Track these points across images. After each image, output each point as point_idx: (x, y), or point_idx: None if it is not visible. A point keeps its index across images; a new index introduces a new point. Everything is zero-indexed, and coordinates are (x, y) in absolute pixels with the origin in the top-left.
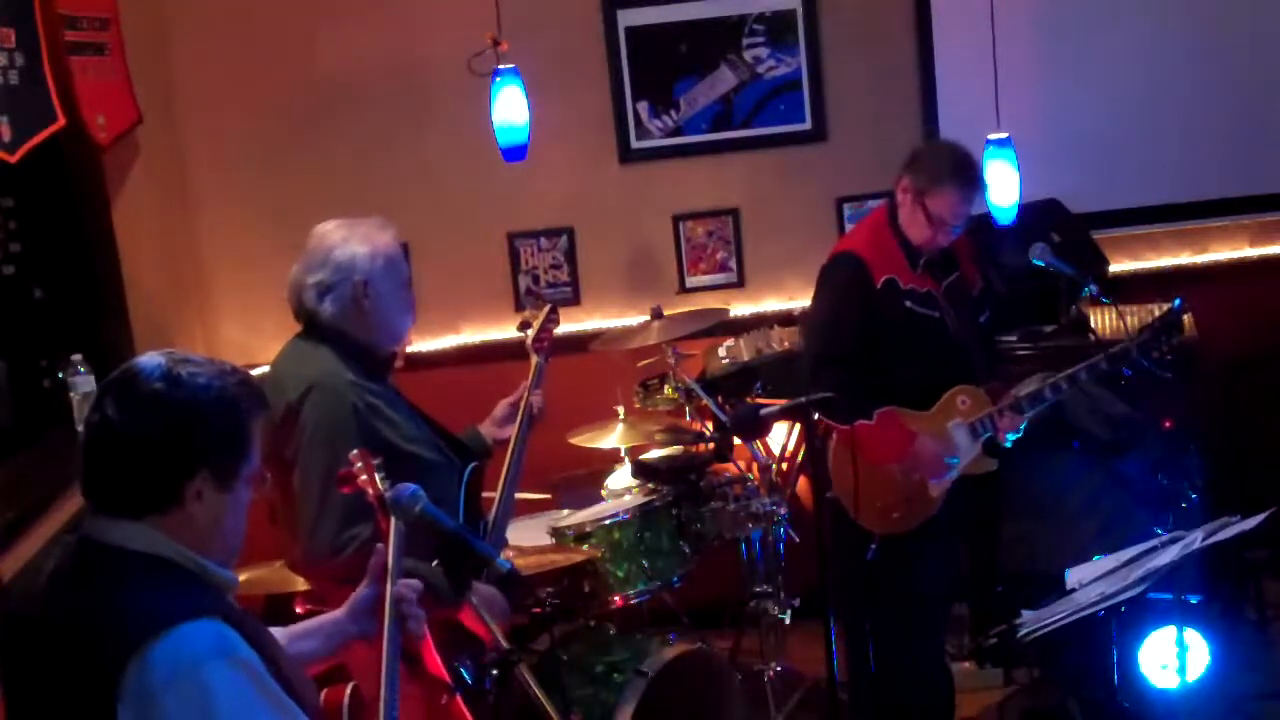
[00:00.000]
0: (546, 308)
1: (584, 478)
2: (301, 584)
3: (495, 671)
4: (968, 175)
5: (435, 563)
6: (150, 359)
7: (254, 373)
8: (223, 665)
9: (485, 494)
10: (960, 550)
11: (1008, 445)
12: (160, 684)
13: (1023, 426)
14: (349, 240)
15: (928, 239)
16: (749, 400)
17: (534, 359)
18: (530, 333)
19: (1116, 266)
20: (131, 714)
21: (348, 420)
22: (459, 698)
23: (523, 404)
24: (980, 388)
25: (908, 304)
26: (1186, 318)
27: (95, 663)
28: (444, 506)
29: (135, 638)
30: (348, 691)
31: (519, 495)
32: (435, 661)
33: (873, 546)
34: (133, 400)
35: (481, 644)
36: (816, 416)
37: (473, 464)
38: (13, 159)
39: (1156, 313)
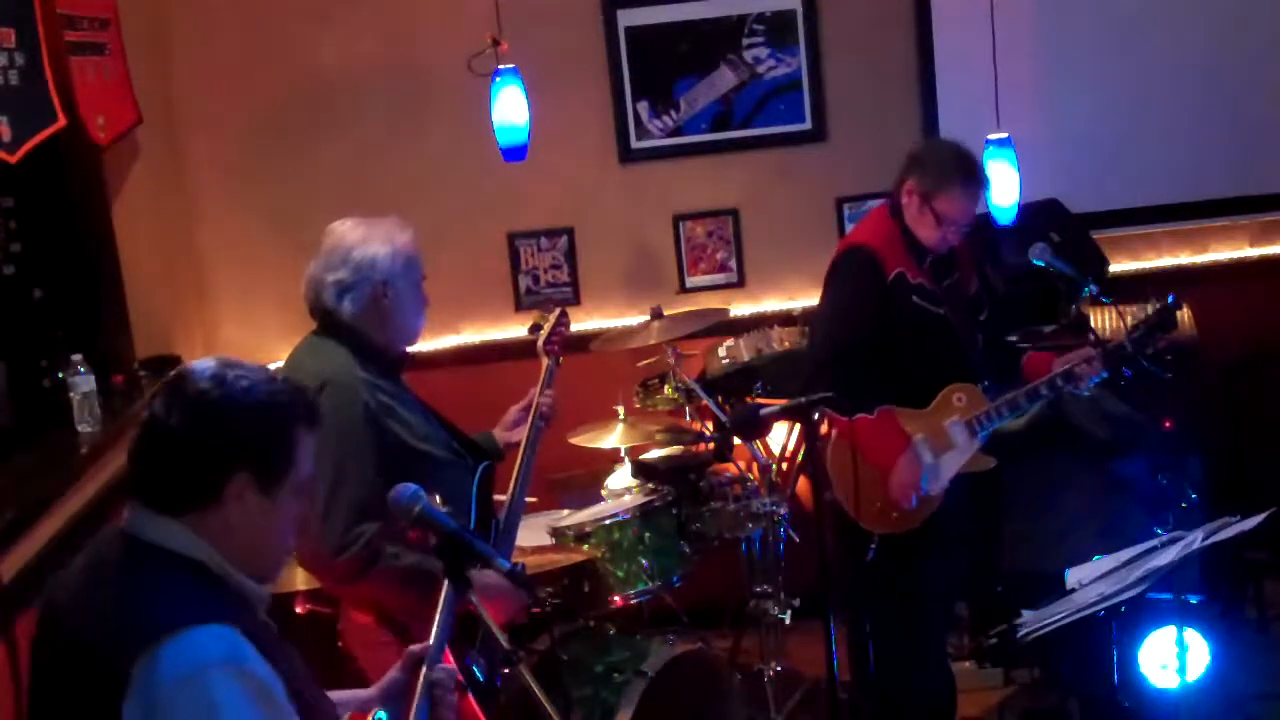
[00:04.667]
0: (557, 311)
1: (584, 478)
2: (302, 584)
3: (506, 670)
4: (973, 174)
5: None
6: (202, 362)
7: None
8: (230, 675)
9: (497, 497)
10: (962, 549)
11: (1086, 393)
12: (167, 684)
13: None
14: (369, 240)
15: (938, 240)
16: (749, 400)
17: (545, 362)
18: (541, 336)
19: (1116, 266)
20: (137, 708)
21: (359, 419)
22: (470, 696)
23: (534, 407)
24: (977, 385)
25: (915, 299)
26: (1186, 317)
27: (107, 654)
28: (456, 506)
29: (149, 634)
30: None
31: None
32: (448, 659)
33: (871, 547)
34: (179, 398)
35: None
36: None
37: (485, 463)
38: (13, 159)
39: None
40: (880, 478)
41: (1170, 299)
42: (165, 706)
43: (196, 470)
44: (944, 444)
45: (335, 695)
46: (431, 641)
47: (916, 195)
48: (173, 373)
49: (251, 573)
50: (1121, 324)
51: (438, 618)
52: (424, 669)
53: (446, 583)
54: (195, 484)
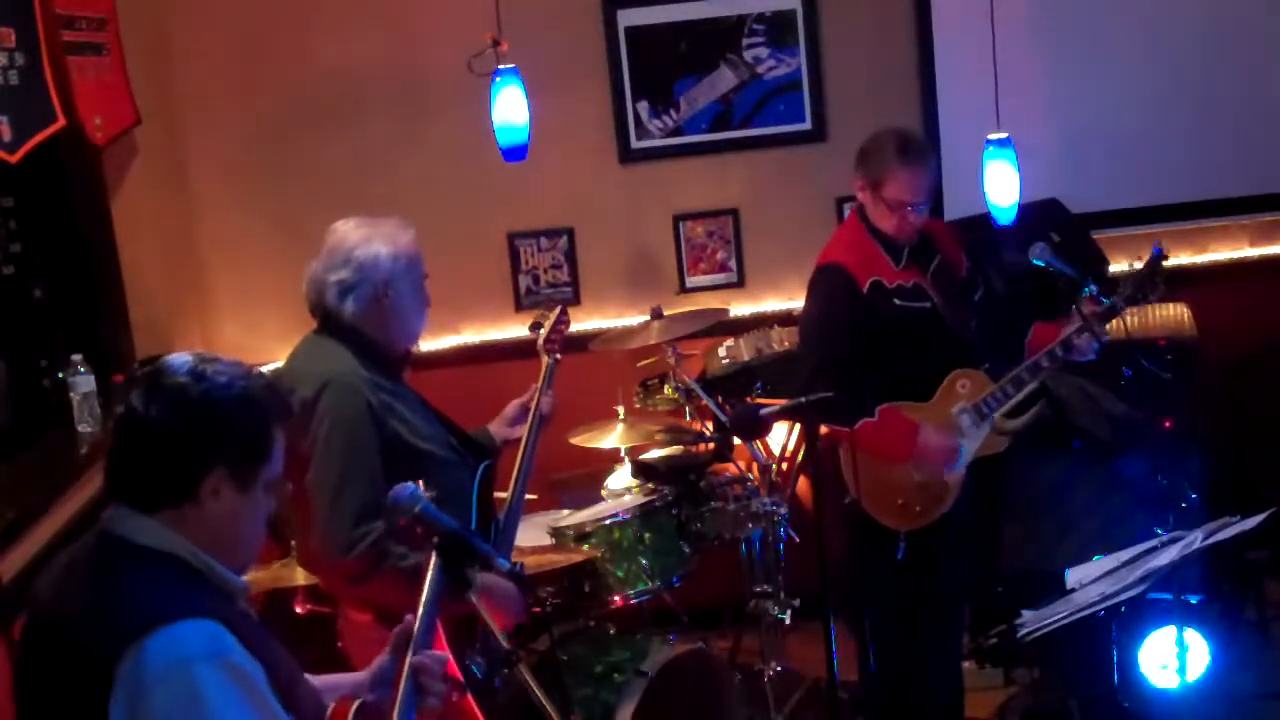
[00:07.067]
0: (557, 309)
1: (584, 478)
2: (301, 583)
3: (506, 670)
4: (910, 152)
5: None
6: (179, 357)
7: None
8: (214, 667)
9: (497, 494)
10: (970, 548)
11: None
12: (152, 678)
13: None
14: (371, 240)
15: (897, 226)
16: (749, 400)
17: (545, 360)
18: (541, 334)
19: (1116, 266)
20: (123, 703)
21: (363, 417)
22: (470, 695)
23: (534, 405)
24: (979, 369)
25: (897, 301)
26: (1186, 316)
27: (92, 651)
28: (457, 504)
29: (133, 628)
30: (353, 709)
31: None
32: (442, 648)
33: (901, 545)
34: (157, 393)
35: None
36: (823, 429)
37: (486, 462)
38: (13, 159)
39: (1155, 311)
40: (899, 471)
41: (1155, 250)
42: (151, 701)
43: (174, 465)
44: (953, 432)
45: (325, 679)
46: (416, 625)
47: (867, 189)
48: (148, 367)
49: (226, 564)
50: (1121, 324)
51: (423, 601)
52: (409, 653)
53: (431, 568)
54: (172, 479)
